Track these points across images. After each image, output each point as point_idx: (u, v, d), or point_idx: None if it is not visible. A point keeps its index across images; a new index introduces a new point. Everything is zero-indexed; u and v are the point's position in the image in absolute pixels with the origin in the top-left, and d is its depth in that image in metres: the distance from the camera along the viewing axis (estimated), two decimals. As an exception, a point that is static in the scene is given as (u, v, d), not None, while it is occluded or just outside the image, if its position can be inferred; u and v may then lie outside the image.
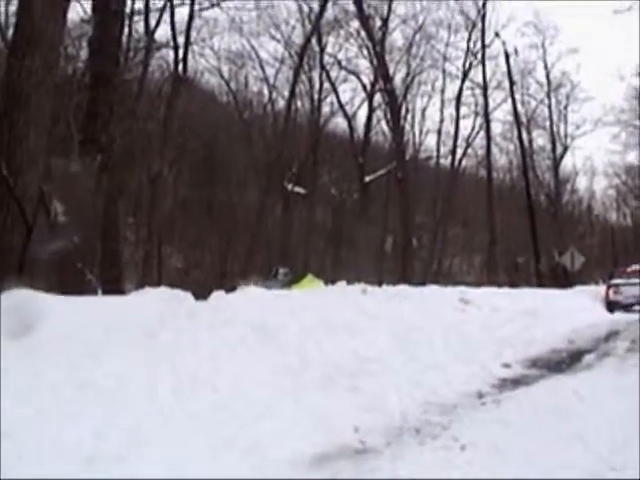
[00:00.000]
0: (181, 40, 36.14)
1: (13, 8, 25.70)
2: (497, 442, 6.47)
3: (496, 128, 52.29)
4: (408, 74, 47.69)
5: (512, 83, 46.20)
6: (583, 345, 12.56)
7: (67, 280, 14.76)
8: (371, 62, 45.63)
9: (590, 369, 10.47)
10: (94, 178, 14.73)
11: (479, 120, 50.11)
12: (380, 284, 16.46)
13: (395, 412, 7.58)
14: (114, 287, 19.07)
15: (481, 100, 48.47)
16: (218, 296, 11.11)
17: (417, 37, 46.89)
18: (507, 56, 45.26)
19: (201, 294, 11.47)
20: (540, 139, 53.46)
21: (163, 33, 39.18)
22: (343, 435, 6.67)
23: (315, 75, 46.33)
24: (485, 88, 47.49)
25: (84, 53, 29.79)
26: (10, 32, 21.59)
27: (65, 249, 10.49)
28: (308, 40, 43.35)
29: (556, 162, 52.54)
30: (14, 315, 7.62)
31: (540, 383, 9.40)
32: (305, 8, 43.98)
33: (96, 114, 15.94)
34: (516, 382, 9.53)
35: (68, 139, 21.77)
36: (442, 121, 51.42)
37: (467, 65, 48.56)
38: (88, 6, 25.78)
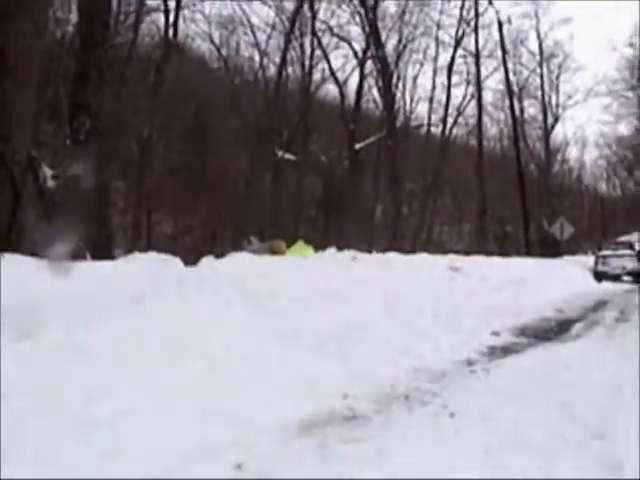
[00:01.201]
0: (172, 4, 36.03)
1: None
2: (485, 410, 6.47)
3: (487, 97, 52.54)
4: (400, 41, 47.68)
5: (504, 52, 46.27)
6: (572, 314, 12.62)
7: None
8: (363, 29, 45.65)
9: (578, 338, 10.53)
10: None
11: (470, 89, 50.27)
12: (370, 252, 16.47)
13: (384, 379, 7.59)
14: (103, 252, 19.04)
15: (473, 69, 48.56)
16: (207, 262, 11.11)
17: (410, 4, 46.80)
18: (500, 25, 45.31)
19: (190, 260, 11.48)
20: (531, 109, 53.76)
21: (154, -4, 38.81)
22: (332, 401, 6.67)
23: (306, 41, 46.10)
24: (477, 57, 47.47)
25: (74, 17, 29.57)
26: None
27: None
28: (300, 6, 43.24)
29: (547, 132, 52.74)
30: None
31: (529, 351, 9.45)
32: (297, -27, 43.63)
33: (86, 79, 15.84)
34: (505, 350, 9.57)
35: (57, 104, 21.65)
36: (433, 89, 51.51)
37: (460, 33, 48.66)
38: (78, -31, 25.57)
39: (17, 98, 11.11)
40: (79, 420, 5.35)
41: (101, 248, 19.87)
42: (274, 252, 14.83)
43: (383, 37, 45.65)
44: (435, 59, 50.93)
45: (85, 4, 16.99)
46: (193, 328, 7.73)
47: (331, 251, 13.81)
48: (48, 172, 15.04)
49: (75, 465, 4.75)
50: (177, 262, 11.00)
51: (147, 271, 9.54)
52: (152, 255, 11.57)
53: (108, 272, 9.67)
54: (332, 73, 47.53)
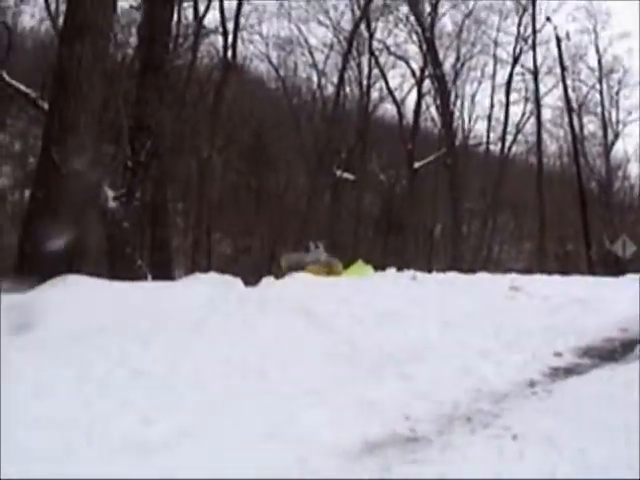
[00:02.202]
0: (230, 26, 36.41)
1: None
2: (549, 432, 6.38)
3: (546, 114, 51.80)
4: (458, 59, 47.48)
5: (563, 68, 45.72)
6: (636, 334, 12.40)
7: (117, 266, 14.90)
8: (420, 48, 45.59)
9: (643, 358, 10.33)
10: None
11: (529, 106, 49.78)
12: (430, 271, 16.38)
13: (446, 400, 7.51)
14: (164, 273, 19.23)
15: (531, 86, 48.08)
16: (267, 282, 11.13)
17: (467, 22, 46.72)
18: (558, 41, 44.73)
19: (250, 280, 11.51)
20: (591, 125, 52.82)
21: (212, 19, 39.17)
22: (393, 423, 6.62)
23: (364, 61, 46.22)
24: (536, 73, 47.02)
25: (134, 40, 29.99)
26: (61, 20, 21.75)
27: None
28: (357, 25, 43.36)
29: (607, 148, 51.96)
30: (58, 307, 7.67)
31: (592, 373, 9.28)
32: (354, -7, 43.74)
33: (145, 100, 16.03)
34: (568, 371, 9.41)
35: (118, 126, 21.91)
36: (492, 107, 51.05)
37: (517, 50, 48.21)
38: (138, -7, 26.01)
39: (80, 120, 11.27)
40: (136, 443, 5.36)
41: (162, 269, 20.08)
42: (330, 272, 14.78)
43: (441, 55, 45.61)
44: (493, 77, 50.61)
45: (145, 27, 17.24)
46: (253, 349, 7.75)
47: (391, 271, 13.75)
48: (110, 193, 15.20)
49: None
50: (238, 282, 11.04)
51: (208, 292, 9.59)
52: (213, 275, 11.62)
53: (168, 292, 9.73)
54: (390, 92, 47.52)
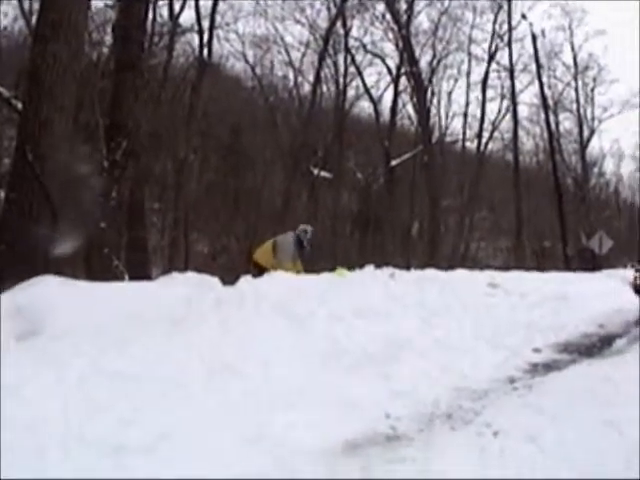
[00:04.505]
0: (206, 24, 36.33)
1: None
2: (529, 428, 6.38)
3: (522, 111, 52.17)
4: (434, 57, 47.55)
5: (539, 66, 45.95)
6: (613, 329, 12.42)
7: (94, 266, 14.83)
8: (397, 45, 45.63)
9: (621, 354, 10.35)
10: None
11: (505, 103, 49.92)
12: (408, 268, 16.35)
13: (426, 398, 7.51)
14: (141, 273, 19.12)
15: (507, 83, 48.26)
16: (245, 281, 11.07)
17: (443, 19, 46.64)
18: (534, 38, 44.99)
19: (228, 280, 11.44)
20: (567, 122, 53.03)
21: (188, 17, 39.16)
22: (374, 422, 6.61)
23: (340, 59, 46.22)
24: (512, 71, 47.18)
25: (109, 39, 29.82)
26: (34, 18, 21.59)
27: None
28: (333, 23, 43.39)
29: (583, 145, 52.20)
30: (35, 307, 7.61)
31: (571, 368, 9.29)
32: (330, -9, 43.74)
33: (121, 100, 15.99)
34: (547, 367, 9.43)
35: (93, 125, 21.79)
36: (468, 104, 51.31)
37: (493, 48, 48.30)
38: (112, -9, 25.91)
39: (54, 119, 11.18)
40: (112, 445, 5.30)
41: (139, 269, 19.98)
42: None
43: (417, 53, 45.63)
44: (469, 74, 50.76)
45: (120, 26, 17.12)
46: (232, 348, 7.69)
47: (369, 268, 13.68)
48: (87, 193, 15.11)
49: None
50: (215, 282, 10.98)
51: (185, 291, 9.53)
52: (190, 275, 11.54)
53: (146, 293, 9.67)
54: (366, 90, 47.68)
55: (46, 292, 8.20)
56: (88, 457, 5.13)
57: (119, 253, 17.17)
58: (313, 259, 15.51)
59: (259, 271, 13.28)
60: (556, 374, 8.97)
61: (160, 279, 12.07)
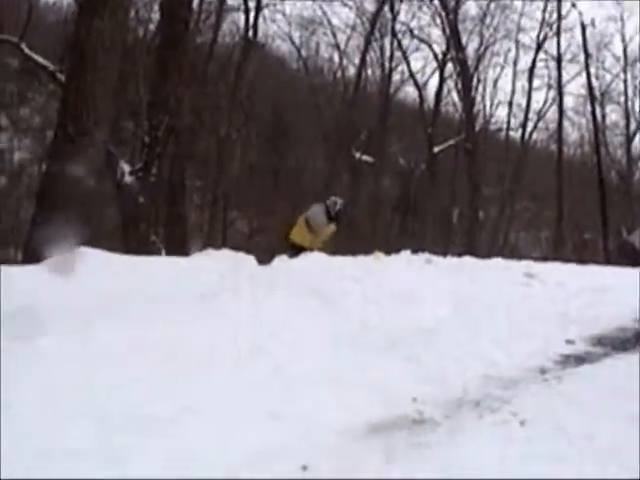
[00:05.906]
0: (252, 4, 36.19)
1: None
2: (557, 419, 6.34)
3: (568, 102, 51.61)
4: (481, 44, 47.15)
5: (587, 56, 45.30)
6: (651, 325, 12.32)
7: (131, 241, 14.94)
8: (443, 31, 45.29)
9: (656, 349, 10.26)
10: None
11: (552, 93, 49.40)
12: (445, 255, 16.28)
13: (454, 384, 7.47)
14: (179, 249, 19.24)
15: (554, 73, 47.62)
16: (280, 260, 11.09)
17: (491, 6, 46.26)
18: (583, 28, 44.33)
19: (264, 259, 11.48)
20: (613, 114, 52.39)
21: (235, -4, 39.02)
22: (401, 405, 6.58)
23: (386, 43, 46.10)
24: (559, 60, 46.59)
25: (156, 16, 29.92)
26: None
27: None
28: (380, 7, 43.23)
29: (629, 138, 51.53)
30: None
31: (604, 361, 9.21)
32: (378, -25, 43.55)
33: (165, 77, 16.04)
34: (580, 359, 9.35)
35: (137, 102, 21.89)
36: (514, 93, 50.71)
37: (541, 36, 47.68)
38: (161, -31, 25.87)
39: (97, 94, 11.23)
40: (138, 417, 5.33)
41: (177, 245, 20.09)
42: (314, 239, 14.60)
43: (464, 40, 45.34)
44: (516, 62, 50.34)
45: (167, 3, 17.18)
46: (262, 326, 7.71)
47: (405, 253, 13.65)
48: (126, 168, 15.22)
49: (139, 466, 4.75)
50: (250, 259, 11.02)
51: (219, 268, 9.56)
52: (225, 252, 11.58)
53: (179, 268, 9.71)
54: (412, 75, 47.48)
55: (79, 262, 8.26)
56: (111, 426, 5.16)
57: (157, 229, 17.29)
58: (339, 231, 15.38)
59: (297, 251, 13.33)
60: (588, 367, 8.89)
61: (194, 255, 12.13)
